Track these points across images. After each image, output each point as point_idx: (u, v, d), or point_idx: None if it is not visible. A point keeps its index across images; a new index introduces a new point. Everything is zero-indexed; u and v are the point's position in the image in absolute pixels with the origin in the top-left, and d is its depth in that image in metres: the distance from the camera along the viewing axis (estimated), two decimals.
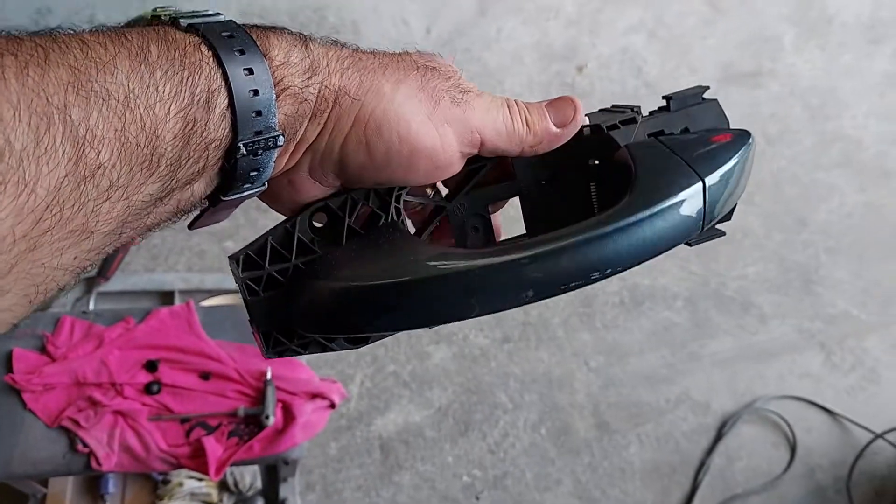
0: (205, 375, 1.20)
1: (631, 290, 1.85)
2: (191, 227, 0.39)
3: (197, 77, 0.31)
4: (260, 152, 0.34)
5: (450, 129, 0.38)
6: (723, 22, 2.16)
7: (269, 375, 1.20)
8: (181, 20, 0.33)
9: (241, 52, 0.33)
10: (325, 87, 0.35)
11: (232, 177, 0.34)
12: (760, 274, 1.92)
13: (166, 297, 1.53)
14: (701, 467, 1.76)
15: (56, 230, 0.28)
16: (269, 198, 0.41)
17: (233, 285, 1.59)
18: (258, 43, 0.34)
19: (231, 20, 0.35)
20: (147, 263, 1.65)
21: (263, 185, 0.36)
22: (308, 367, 1.26)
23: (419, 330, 1.44)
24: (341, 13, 1.95)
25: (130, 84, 0.29)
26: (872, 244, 1.99)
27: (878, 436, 1.80)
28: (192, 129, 0.31)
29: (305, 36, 0.36)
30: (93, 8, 1.82)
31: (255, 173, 0.34)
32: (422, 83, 0.37)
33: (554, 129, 0.42)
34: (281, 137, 0.34)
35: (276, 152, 0.34)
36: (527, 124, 0.41)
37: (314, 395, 1.21)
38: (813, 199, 2.01)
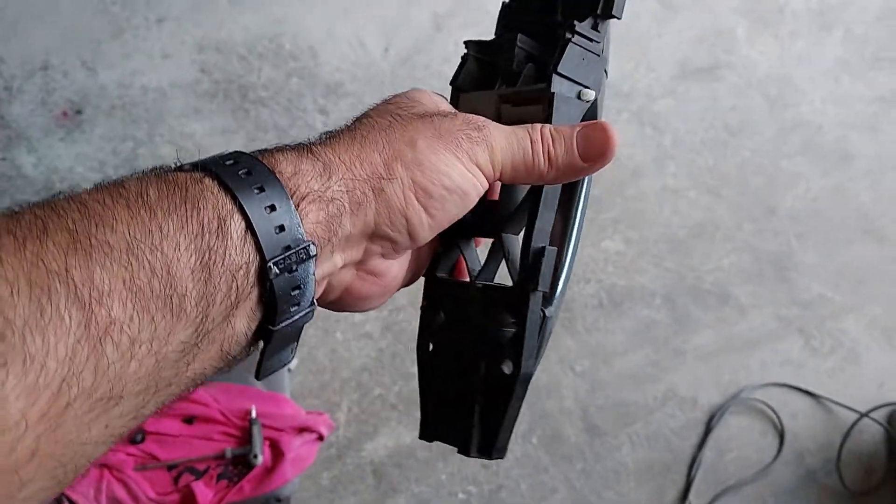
0: (188, 420, 1.18)
1: (609, 291, 1.86)
2: (258, 376, 0.37)
3: (203, 207, 0.30)
4: (294, 267, 0.32)
5: (476, 167, 0.38)
6: (676, 19, 2.18)
7: (254, 414, 1.19)
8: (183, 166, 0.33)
9: (248, 173, 0.32)
10: (351, 179, 0.35)
11: (273, 301, 0.32)
12: (735, 265, 1.94)
13: None
14: (693, 462, 1.77)
15: (78, 403, 0.26)
16: (352, 300, 0.41)
17: None
18: (264, 161, 0.33)
19: (235, 151, 0.34)
20: None
21: (312, 302, 0.34)
22: (293, 402, 1.25)
23: (400, 350, 1.41)
24: (297, 40, 1.94)
25: (131, 231, 0.28)
26: (840, 227, 2.02)
27: (862, 415, 1.83)
28: (209, 259, 0.29)
29: (307, 143, 0.36)
30: (46, 54, 1.80)
31: (297, 291, 0.33)
32: (434, 131, 0.38)
33: (580, 164, 0.40)
34: (312, 247, 0.33)
35: (312, 263, 0.33)
36: (549, 159, 0.40)
37: (302, 430, 1.20)
38: (779, 187, 2.04)
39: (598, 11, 0.43)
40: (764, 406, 1.83)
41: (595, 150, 0.40)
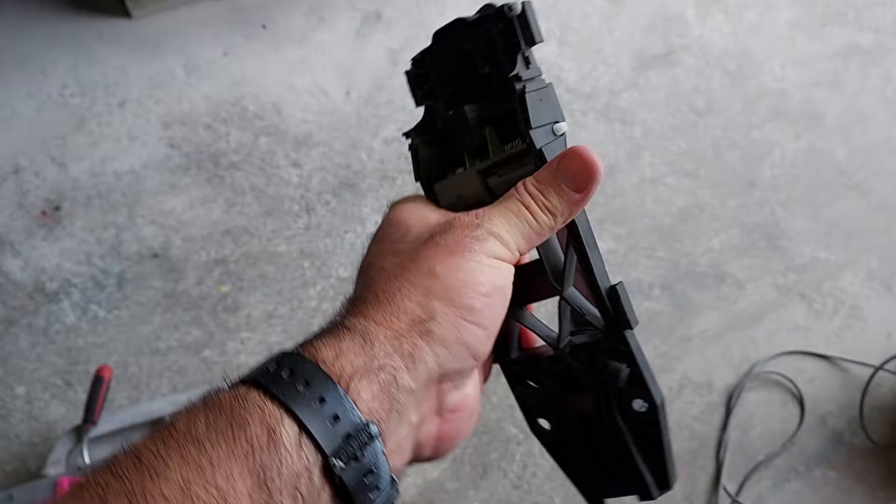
0: None
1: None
2: None
3: (250, 423, 0.30)
4: (360, 453, 0.31)
5: (496, 259, 0.39)
6: (624, 13, 2.21)
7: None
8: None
9: (291, 372, 0.32)
10: (394, 337, 0.35)
11: (347, 495, 0.31)
12: (725, 243, 1.96)
13: (157, 423, 1.51)
14: (719, 446, 1.78)
15: None
16: (448, 442, 0.40)
17: None
18: (305, 353, 0.33)
19: (276, 352, 0.34)
20: (130, 395, 1.64)
21: (393, 480, 0.33)
22: None
23: None
24: (259, 100, 1.96)
25: (183, 474, 0.28)
26: (821, 187, 2.04)
27: (877, 368, 1.83)
28: (265, 476, 0.29)
29: (338, 319, 0.36)
30: (14, 157, 1.82)
31: (370, 476, 0.32)
32: (444, 251, 0.38)
33: (577, 197, 0.41)
34: (373, 426, 0.32)
35: (378, 442, 0.32)
36: (549, 212, 0.40)
37: None
38: (755, 159, 2.06)
39: (523, 46, 0.43)
40: (779, 377, 1.83)
41: (582, 177, 0.40)
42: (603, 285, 0.43)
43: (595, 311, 0.44)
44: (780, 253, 1.96)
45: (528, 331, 0.47)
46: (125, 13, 2.01)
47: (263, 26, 2.06)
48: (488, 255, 0.38)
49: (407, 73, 0.50)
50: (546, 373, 0.46)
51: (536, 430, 0.48)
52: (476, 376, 0.42)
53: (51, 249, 1.75)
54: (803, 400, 1.82)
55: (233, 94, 1.96)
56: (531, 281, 0.45)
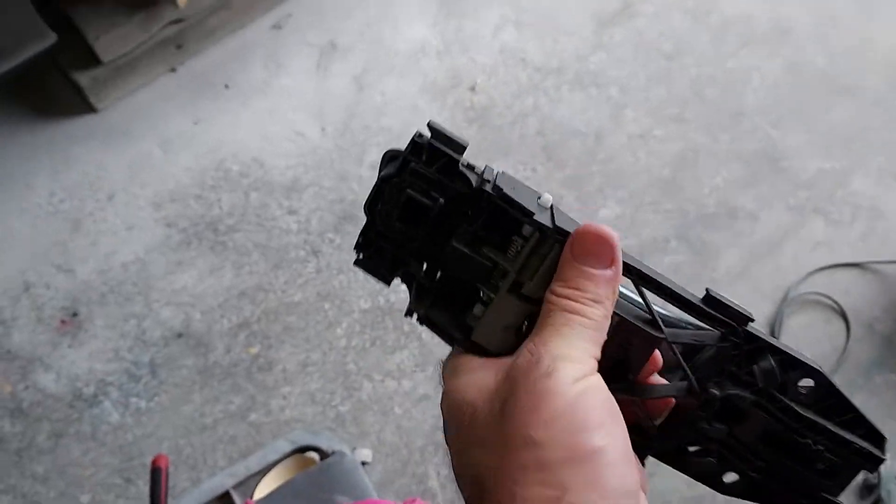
0: None
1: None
2: None
3: None
4: None
5: (579, 382, 0.36)
6: None
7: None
8: None
9: None
10: None
11: None
12: (728, 178, 1.94)
13: (224, 499, 1.53)
14: None
15: None
16: None
17: (276, 455, 1.59)
18: None
19: None
20: (190, 475, 1.65)
21: None
22: (382, 501, 1.25)
23: None
24: (239, 157, 1.97)
25: None
26: (809, 99, 2.02)
27: None
28: None
29: None
30: (22, 275, 1.84)
31: None
32: (526, 410, 0.35)
33: (609, 272, 0.38)
34: None
35: None
36: (596, 303, 0.38)
37: None
38: (736, 89, 2.04)
39: (459, 157, 0.42)
40: (815, 296, 1.82)
41: (603, 251, 0.38)
42: (696, 300, 0.42)
43: (706, 330, 0.42)
44: (784, 174, 1.94)
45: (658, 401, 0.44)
46: (90, 108, 2.02)
47: (226, 86, 2.06)
48: (569, 383, 0.35)
49: (357, 262, 0.46)
50: (701, 428, 0.43)
51: (728, 489, 0.44)
52: (642, 498, 0.38)
53: (79, 355, 1.77)
54: (845, 313, 1.80)
55: (213, 159, 1.97)
56: (626, 354, 0.42)
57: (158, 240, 1.87)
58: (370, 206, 0.44)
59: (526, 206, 0.40)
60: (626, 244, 1.57)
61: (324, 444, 1.52)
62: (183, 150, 1.98)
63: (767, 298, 1.83)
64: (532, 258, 0.41)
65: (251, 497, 1.41)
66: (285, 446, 1.54)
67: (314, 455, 1.51)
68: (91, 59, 1.98)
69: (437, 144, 0.42)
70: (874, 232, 1.86)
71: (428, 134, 0.42)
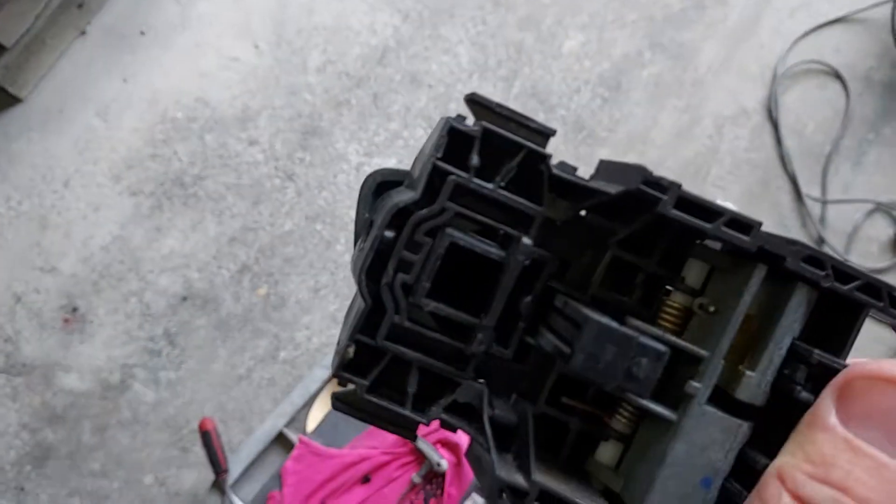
0: (365, 479, 1.19)
1: (601, 81, 1.76)
2: None
3: None
4: None
5: None
6: None
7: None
8: None
9: None
10: None
11: None
12: None
13: (280, 440, 1.53)
14: (784, 161, 1.70)
15: None
16: None
17: (317, 384, 1.57)
18: None
19: None
20: (242, 427, 1.64)
21: None
22: None
23: None
24: (181, 102, 1.85)
25: None
26: None
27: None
28: None
29: None
30: (9, 288, 1.78)
31: None
32: None
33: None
34: None
35: None
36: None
37: None
38: None
39: (542, 151, 0.35)
40: (805, 65, 1.73)
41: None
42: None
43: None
44: None
45: None
46: (13, 99, 1.89)
47: (142, 33, 1.92)
48: None
49: (344, 403, 0.38)
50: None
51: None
52: None
53: (93, 348, 1.73)
54: (839, 72, 1.72)
55: (155, 112, 1.85)
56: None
57: (129, 212, 1.79)
58: (369, 279, 0.35)
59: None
60: (600, 68, 1.46)
61: None
62: (122, 113, 1.87)
63: (757, 82, 1.74)
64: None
65: (304, 431, 1.41)
66: (323, 373, 1.53)
67: None
68: None
69: (509, 135, 0.34)
70: None
71: (470, 118, 0.34)
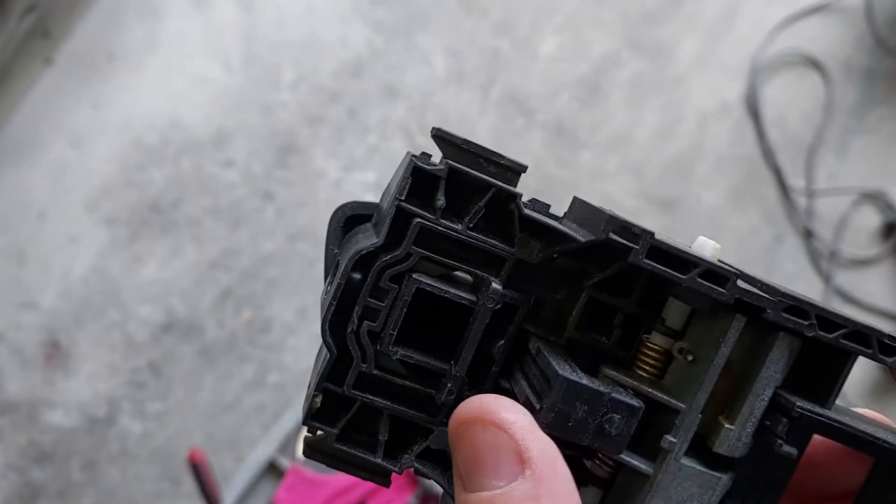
0: None
1: (581, 87, 1.74)
2: None
3: None
4: None
5: None
6: None
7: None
8: None
9: None
10: None
11: None
12: None
13: (271, 468, 1.49)
14: (768, 154, 1.69)
15: None
16: None
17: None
18: None
19: None
20: (233, 455, 1.61)
21: None
22: None
23: None
24: (154, 126, 1.82)
25: None
26: None
27: None
28: None
29: None
30: None
31: None
32: None
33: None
34: None
35: None
36: None
37: None
38: None
39: (508, 189, 0.34)
40: (783, 56, 1.71)
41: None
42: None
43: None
44: None
45: None
46: None
47: (111, 57, 1.88)
48: None
49: (316, 452, 0.37)
50: None
51: None
52: None
53: (77, 383, 1.69)
54: (818, 61, 1.70)
55: (128, 138, 1.82)
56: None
57: (106, 241, 1.76)
58: (335, 325, 0.34)
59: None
60: (578, 70, 1.43)
61: None
62: (94, 140, 1.83)
63: (736, 76, 1.72)
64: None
65: (295, 457, 1.37)
66: None
67: None
68: None
69: (475, 173, 0.33)
70: None
71: (437, 156, 0.33)
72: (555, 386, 0.29)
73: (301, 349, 1.66)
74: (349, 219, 0.37)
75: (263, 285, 1.69)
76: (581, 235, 0.31)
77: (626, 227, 0.29)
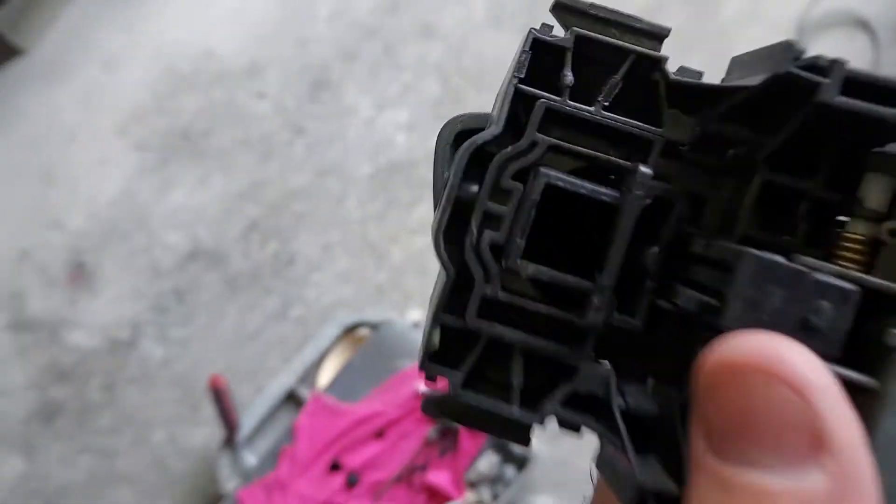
0: (379, 434, 1.17)
1: None
2: None
3: None
4: None
5: None
6: None
7: (422, 388, 1.16)
8: None
9: None
10: None
11: None
12: None
13: (291, 397, 1.50)
14: None
15: None
16: None
17: (327, 341, 1.55)
18: None
19: None
20: (253, 384, 1.62)
21: None
22: None
23: None
24: (187, 54, 1.80)
25: None
26: None
27: None
28: None
29: None
30: (17, 243, 1.75)
31: None
32: None
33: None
34: None
35: None
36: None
37: None
38: None
39: (654, 55, 0.29)
40: (832, 15, 1.67)
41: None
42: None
43: None
44: None
45: None
46: (16, 51, 1.85)
47: None
48: None
49: (436, 406, 0.30)
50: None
51: None
52: None
53: (101, 304, 1.70)
54: (867, 22, 1.66)
55: (160, 64, 1.80)
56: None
57: (135, 166, 1.75)
58: (450, 243, 0.28)
59: None
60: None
61: (371, 318, 1.47)
62: (127, 64, 1.82)
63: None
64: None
65: (315, 388, 1.38)
66: (334, 330, 1.50)
67: (364, 331, 1.46)
68: None
69: (609, 40, 0.27)
70: None
71: (556, 25, 0.27)
72: (740, 266, 0.23)
73: (324, 285, 1.66)
74: (459, 134, 0.31)
75: (290, 219, 1.69)
76: (752, 82, 0.25)
77: (809, 59, 0.24)
